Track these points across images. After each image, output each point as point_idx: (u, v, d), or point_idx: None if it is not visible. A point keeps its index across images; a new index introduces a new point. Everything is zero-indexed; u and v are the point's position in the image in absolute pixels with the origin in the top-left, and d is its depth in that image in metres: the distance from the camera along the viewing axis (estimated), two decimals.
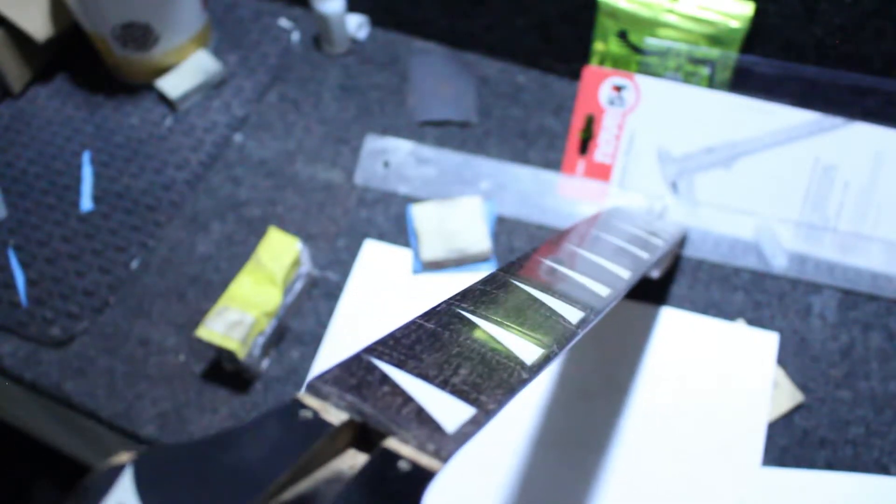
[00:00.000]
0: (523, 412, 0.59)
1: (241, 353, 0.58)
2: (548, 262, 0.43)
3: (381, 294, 0.65)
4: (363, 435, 0.27)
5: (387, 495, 0.24)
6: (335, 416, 0.27)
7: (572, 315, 0.37)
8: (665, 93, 0.68)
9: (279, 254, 0.62)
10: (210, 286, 0.66)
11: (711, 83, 0.69)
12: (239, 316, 0.58)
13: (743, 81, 0.68)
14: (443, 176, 0.71)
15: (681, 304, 0.64)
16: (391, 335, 0.32)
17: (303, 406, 0.27)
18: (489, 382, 0.30)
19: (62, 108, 0.77)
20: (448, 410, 0.28)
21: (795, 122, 0.66)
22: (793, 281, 0.65)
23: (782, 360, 0.61)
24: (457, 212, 0.66)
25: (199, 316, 0.64)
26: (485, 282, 0.38)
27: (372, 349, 0.30)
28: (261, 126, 0.76)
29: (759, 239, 0.66)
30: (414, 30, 0.81)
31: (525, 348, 0.34)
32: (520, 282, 0.39)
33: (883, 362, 0.61)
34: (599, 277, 0.42)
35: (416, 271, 0.66)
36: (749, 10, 0.66)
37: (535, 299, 0.38)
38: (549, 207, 0.69)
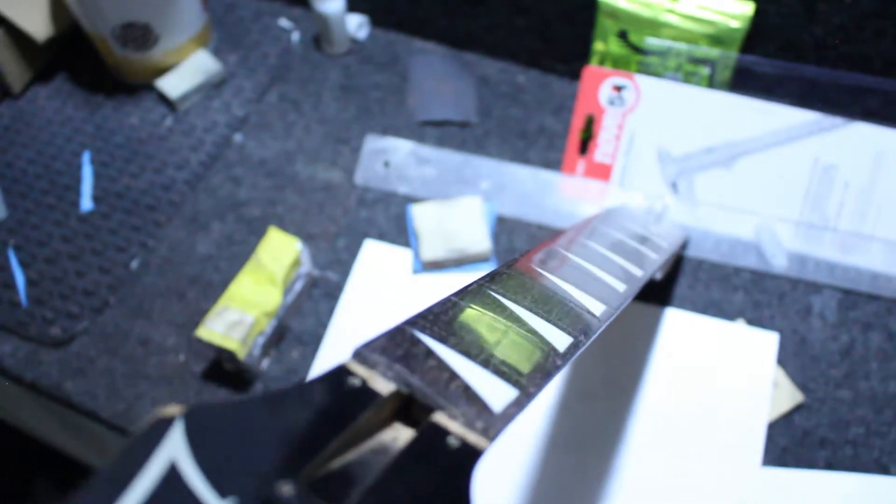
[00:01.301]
0: (523, 412, 0.59)
1: (241, 353, 0.58)
2: (565, 254, 0.42)
3: (381, 294, 0.65)
4: (405, 408, 0.27)
5: (438, 471, 0.24)
6: (383, 385, 0.26)
7: (595, 307, 0.37)
8: (665, 93, 0.68)
9: (279, 254, 0.62)
10: (210, 286, 0.66)
11: (711, 83, 0.69)
12: (239, 316, 0.58)
13: (743, 81, 0.68)
14: (443, 176, 0.71)
15: (681, 304, 0.64)
16: (430, 310, 0.31)
17: (350, 373, 0.26)
18: (527, 365, 0.30)
19: (62, 108, 0.77)
20: (493, 389, 0.27)
21: (795, 122, 0.66)
22: (793, 281, 0.65)
23: (782, 360, 0.61)
24: (457, 212, 0.66)
25: (199, 316, 0.64)
26: (508, 266, 0.38)
27: (414, 322, 0.30)
28: (261, 126, 0.76)
29: (759, 239, 0.66)
30: (414, 30, 0.81)
31: (555, 335, 0.33)
32: (545, 271, 0.38)
33: (883, 362, 0.61)
34: (616, 273, 0.42)
35: (416, 271, 0.66)
36: (749, 9, 0.66)
37: (559, 289, 0.37)
38: (550, 207, 0.69)
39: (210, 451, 0.22)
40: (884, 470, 0.57)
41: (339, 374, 0.26)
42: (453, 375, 0.27)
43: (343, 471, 0.24)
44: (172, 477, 0.22)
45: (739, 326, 0.62)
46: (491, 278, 0.36)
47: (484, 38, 0.79)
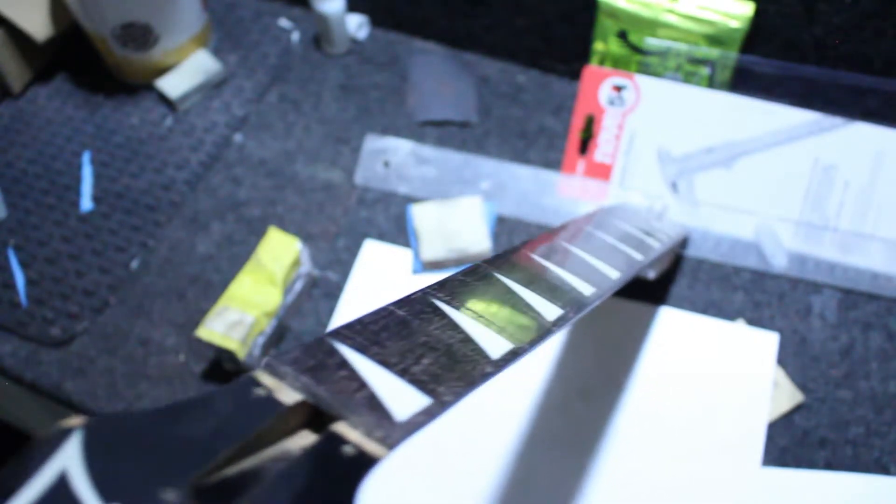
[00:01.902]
0: (524, 411, 0.59)
1: (241, 353, 0.58)
2: (535, 257, 0.42)
3: (381, 294, 0.65)
4: (317, 417, 0.27)
5: (328, 477, 0.24)
6: (288, 395, 0.27)
7: (550, 312, 0.37)
8: (665, 93, 0.68)
9: (279, 254, 0.62)
10: (210, 286, 0.66)
11: (711, 83, 0.69)
12: (239, 316, 0.58)
13: (743, 81, 0.68)
14: (443, 176, 0.71)
15: (681, 304, 0.64)
16: (359, 320, 0.31)
17: (258, 384, 0.27)
18: (450, 374, 0.30)
19: (62, 108, 0.77)
20: (402, 399, 0.28)
21: (795, 121, 0.66)
22: (793, 281, 0.65)
23: (782, 360, 0.61)
24: (457, 212, 0.66)
25: (199, 316, 0.64)
26: (466, 272, 0.38)
27: (337, 333, 0.30)
28: (261, 126, 0.76)
29: (759, 238, 0.66)
30: (414, 30, 0.81)
31: (495, 342, 0.33)
32: (502, 275, 0.38)
33: (883, 362, 0.61)
34: (586, 275, 0.42)
35: (416, 271, 0.66)
36: (749, 10, 0.66)
37: (514, 294, 0.37)
38: (550, 207, 0.69)
39: (104, 461, 0.23)
40: (884, 470, 0.57)
41: (246, 384, 0.27)
42: (362, 385, 0.28)
43: (237, 478, 0.25)
44: (60, 486, 0.22)
45: (739, 326, 0.62)
46: (441, 285, 0.36)
47: (484, 38, 0.79)
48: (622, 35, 0.70)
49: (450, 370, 0.30)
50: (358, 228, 0.69)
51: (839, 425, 0.58)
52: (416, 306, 0.33)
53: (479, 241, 0.65)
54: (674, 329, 0.63)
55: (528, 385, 0.60)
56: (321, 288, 0.66)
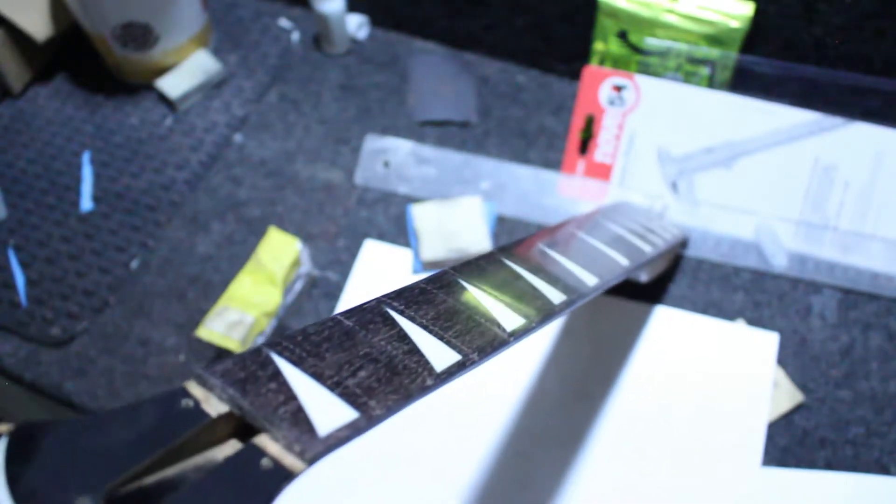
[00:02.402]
0: (523, 411, 0.59)
1: None
2: (508, 263, 0.41)
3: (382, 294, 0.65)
4: (245, 428, 0.28)
5: (243, 488, 0.25)
6: (215, 407, 0.27)
7: (510, 322, 0.36)
8: (665, 93, 0.68)
9: (279, 254, 0.62)
10: (210, 286, 0.66)
11: (711, 83, 0.69)
12: (239, 316, 0.58)
13: (743, 81, 0.68)
14: (443, 176, 0.71)
15: (681, 304, 0.64)
16: (303, 330, 0.31)
17: (186, 394, 0.27)
18: (386, 387, 0.30)
19: (62, 108, 0.77)
20: (328, 413, 0.28)
21: (795, 121, 0.66)
22: (793, 281, 0.65)
23: (782, 360, 0.61)
24: (457, 212, 0.66)
25: (199, 316, 0.64)
26: (429, 280, 0.37)
27: (276, 343, 0.30)
28: (261, 126, 0.76)
29: (759, 238, 0.66)
30: (414, 30, 0.81)
31: (442, 354, 0.33)
32: (467, 282, 0.38)
33: (883, 362, 0.61)
34: (560, 283, 0.41)
35: (416, 271, 0.66)
36: (749, 10, 0.66)
37: (474, 304, 0.37)
38: (550, 207, 0.69)
39: (24, 469, 0.23)
40: (884, 470, 0.57)
41: (175, 394, 0.27)
42: (290, 398, 0.28)
43: (154, 487, 0.25)
44: None
45: (739, 326, 0.62)
46: (398, 294, 0.35)
47: (484, 38, 0.79)
48: (622, 35, 0.70)
49: (387, 383, 0.30)
50: (358, 228, 0.69)
51: (839, 425, 0.58)
52: (367, 316, 0.33)
53: (479, 241, 0.65)
54: (674, 329, 0.62)
55: (528, 385, 0.60)
56: (321, 288, 0.66)
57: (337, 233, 0.69)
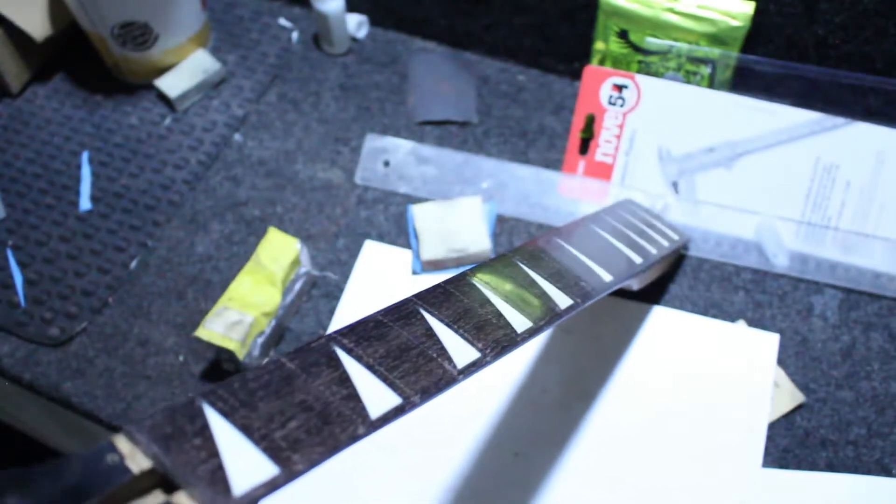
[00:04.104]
0: (521, 412, 0.59)
1: (241, 354, 0.58)
2: (477, 286, 0.39)
3: (381, 294, 0.65)
4: (169, 481, 0.28)
5: None
6: (139, 463, 0.28)
7: (464, 356, 0.35)
8: (666, 92, 0.68)
9: (279, 254, 0.62)
10: (209, 286, 0.66)
11: (712, 83, 0.69)
12: (238, 316, 0.58)
13: (744, 81, 0.68)
14: (443, 175, 0.71)
15: (682, 305, 0.64)
16: (242, 376, 0.31)
17: (113, 449, 0.28)
18: (313, 439, 0.30)
19: (61, 108, 0.77)
20: (248, 469, 0.28)
21: (797, 121, 0.66)
22: (794, 281, 0.65)
23: (783, 361, 0.61)
24: (457, 211, 0.66)
25: (198, 316, 0.63)
26: (388, 311, 0.37)
27: (211, 392, 0.30)
28: (260, 126, 0.76)
29: (760, 238, 0.66)
30: (414, 30, 0.81)
31: (382, 397, 0.32)
32: (427, 311, 0.37)
33: (884, 363, 0.61)
34: (527, 309, 0.40)
35: (416, 271, 0.66)
36: (750, 8, 0.65)
37: (428, 336, 0.35)
38: (550, 207, 0.69)
39: None
40: (886, 471, 0.56)
41: (102, 450, 0.28)
42: (212, 455, 0.28)
43: None
44: None
45: (740, 327, 0.62)
46: (351, 329, 0.35)
47: (484, 38, 0.79)
48: (623, 34, 0.70)
49: (316, 433, 0.30)
50: (358, 228, 0.69)
51: (840, 426, 0.58)
52: (312, 357, 0.33)
53: (479, 241, 0.65)
54: (674, 329, 0.62)
55: (527, 385, 0.60)
56: (321, 288, 0.65)
57: (337, 233, 0.68)
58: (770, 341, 0.61)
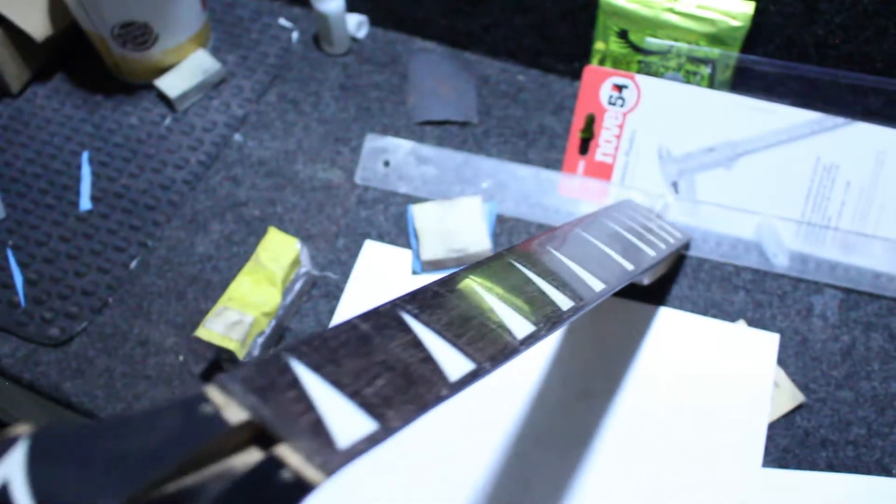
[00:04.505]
0: (522, 411, 0.59)
1: (241, 354, 0.58)
2: (517, 265, 0.41)
3: (381, 294, 0.65)
4: (265, 435, 0.27)
5: (264, 501, 0.24)
6: (235, 414, 0.26)
7: (521, 329, 0.36)
8: (666, 92, 0.68)
9: (279, 254, 0.62)
10: (209, 286, 0.66)
11: (712, 83, 0.69)
12: (238, 316, 0.58)
13: (744, 81, 0.68)
14: (443, 175, 0.71)
15: (682, 305, 0.64)
16: (319, 334, 0.31)
17: (206, 400, 0.26)
18: (402, 397, 0.29)
19: (61, 108, 0.77)
20: (347, 423, 0.27)
21: (797, 121, 0.66)
22: (794, 281, 0.65)
23: (783, 361, 0.61)
24: (457, 211, 0.66)
25: (198, 316, 0.63)
26: (441, 282, 0.37)
27: (294, 348, 0.30)
28: (260, 126, 0.76)
29: (760, 238, 0.66)
30: (414, 30, 0.81)
31: (456, 362, 0.32)
32: (478, 285, 0.37)
33: (884, 362, 0.61)
34: (566, 287, 0.41)
35: (416, 271, 0.66)
36: (750, 8, 0.65)
37: (485, 308, 0.36)
38: (550, 207, 0.69)
39: (47, 472, 0.23)
40: (885, 471, 0.56)
41: (195, 400, 0.26)
42: (309, 407, 0.27)
43: (177, 495, 0.24)
44: (1, 498, 0.22)
45: (740, 327, 0.62)
46: (412, 296, 0.35)
47: (484, 38, 0.79)
48: (623, 34, 0.70)
49: (403, 392, 0.30)
50: (358, 228, 0.69)
51: (840, 426, 0.58)
52: (382, 320, 0.33)
53: (479, 241, 0.65)
54: (675, 330, 0.62)
55: (528, 385, 0.60)
56: (321, 288, 0.65)
57: (337, 233, 0.68)
58: (770, 341, 0.61)
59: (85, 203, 0.71)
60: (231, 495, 0.24)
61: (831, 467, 0.57)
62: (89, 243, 0.68)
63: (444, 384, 0.31)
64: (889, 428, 0.58)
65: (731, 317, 0.63)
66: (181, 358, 0.62)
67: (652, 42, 0.69)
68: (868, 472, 0.56)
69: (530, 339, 0.36)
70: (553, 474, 0.57)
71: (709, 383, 0.60)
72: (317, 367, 0.29)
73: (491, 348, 0.34)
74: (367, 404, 0.28)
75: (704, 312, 0.63)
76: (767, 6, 0.65)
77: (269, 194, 0.71)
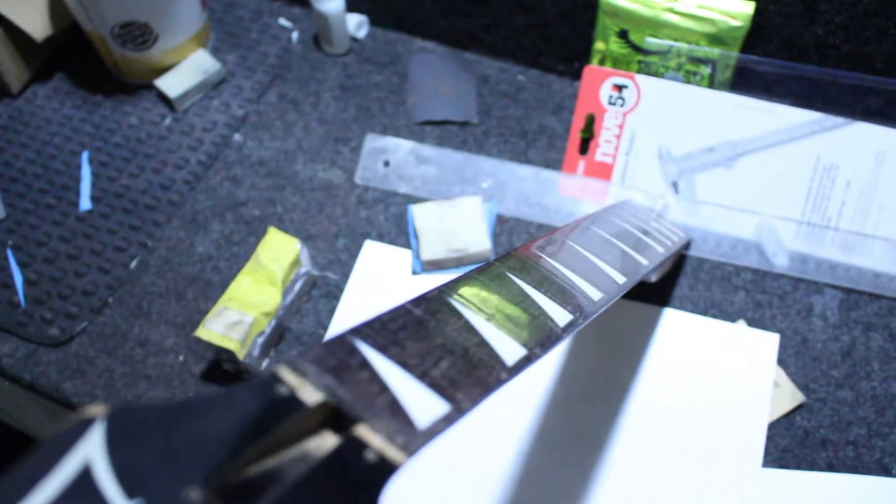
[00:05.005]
0: (523, 411, 0.59)
1: (241, 354, 0.58)
2: (545, 258, 0.42)
3: (381, 294, 0.65)
4: (337, 418, 0.27)
5: (349, 483, 0.24)
6: (311, 395, 0.26)
7: (561, 317, 0.37)
8: (666, 92, 0.68)
9: (279, 254, 0.62)
10: (209, 286, 0.66)
11: (712, 83, 0.69)
12: (238, 316, 0.58)
13: (744, 81, 0.68)
14: (443, 175, 0.71)
15: (682, 305, 0.64)
16: (378, 318, 0.31)
17: (280, 381, 0.26)
18: (467, 379, 0.30)
19: (61, 108, 0.77)
20: (422, 404, 0.27)
21: (797, 121, 0.66)
22: (794, 281, 0.65)
23: (783, 361, 0.61)
24: (457, 211, 0.66)
25: (198, 316, 0.63)
26: (480, 271, 0.37)
27: (358, 330, 0.29)
28: (260, 126, 0.76)
29: (760, 238, 0.66)
30: (414, 30, 0.81)
31: (509, 347, 0.33)
32: (514, 275, 0.38)
33: (884, 363, 0.61)
34: (593, 279, 0.42)
35: (416, 271, 0.66)
36: (750, 8, 0.65)
37: (526, 295, 0.37)
38: (550, 207, 0.69)
39: (127, 453, 0.22)
40: (885, 471, 0.56)
41: (269, 381, 0.26)
42: (383, 388, 0.27)
43: (258, 478, 0.24)
44: (84, 478, 0.22)
45: (740, 327, 0.62)
46: (456, 283, 0.35)
47: (484, 38, 0.79)
48: (623, 34, 0.70)
49: (466, 375, 0.30)
50: (358, 228, 0.69)
51: (840, 426, 0.58)
52: (434, 305, 0.33)
53: (479, 241, 0.65)
54: (675, 330, 0.62)
55: (529, 385, 0.60)
56: (321, 288, 0.65)
57: (337, 233, 0.68)
58: (770, 341, 0.61)
59: (85, 203, 0.71)
60: (314, 478, 0.24)
61: (831, 467, 0.57)
62: (89, 243, 0.68)
63: (503, 368, 0.31)
64: (889, 428, 0.58)
65: (731, 317, 0.63)
66: (181, 358, 0.62)
67: (652, 42, 0.69)
68: (868, 472, 0.56)
69: (570, 327, 0.36)
70: (554, 474, 0.57)
71: (709, 383, 0.60)
72: (382, 349, 0.29)
73: (537, 335, 0.34)
74: (436, 385, 0.28)
75: (704, 312, 0.63)
76: (767, 6, 0.65)
77: (269, 194, 0.71)
